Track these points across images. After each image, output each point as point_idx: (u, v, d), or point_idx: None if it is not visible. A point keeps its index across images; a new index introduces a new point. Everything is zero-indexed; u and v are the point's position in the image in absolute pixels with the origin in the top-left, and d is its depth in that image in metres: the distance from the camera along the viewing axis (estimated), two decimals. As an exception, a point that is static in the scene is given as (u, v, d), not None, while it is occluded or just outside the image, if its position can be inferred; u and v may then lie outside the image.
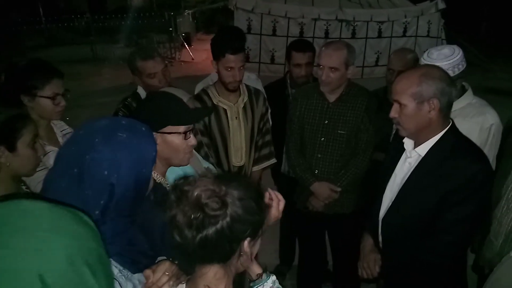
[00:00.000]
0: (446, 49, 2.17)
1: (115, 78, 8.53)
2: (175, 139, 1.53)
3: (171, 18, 11.01)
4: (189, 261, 1.14)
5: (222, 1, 11.77)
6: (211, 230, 1.03)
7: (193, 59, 10.67)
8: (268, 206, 1.32)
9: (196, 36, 12.20)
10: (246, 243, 1.13)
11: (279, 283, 1.45)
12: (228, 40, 2.42)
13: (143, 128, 1.26)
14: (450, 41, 9.50)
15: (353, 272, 2.25)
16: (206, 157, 2.44)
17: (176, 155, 1.57)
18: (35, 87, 1.96)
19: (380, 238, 1.97)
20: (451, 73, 2.10)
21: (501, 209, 1.78)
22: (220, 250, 1.08)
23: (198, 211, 1.02)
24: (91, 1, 15.29)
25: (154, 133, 1.49)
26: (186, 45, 11.08)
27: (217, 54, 2.42)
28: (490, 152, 2.21)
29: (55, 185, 1.16)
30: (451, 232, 1.71)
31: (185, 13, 11.85)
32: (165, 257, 1.31)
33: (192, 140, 1.60)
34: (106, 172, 1.13)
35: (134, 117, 1.54)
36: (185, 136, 1.56)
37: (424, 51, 2.26)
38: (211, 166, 2.21)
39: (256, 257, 3.12)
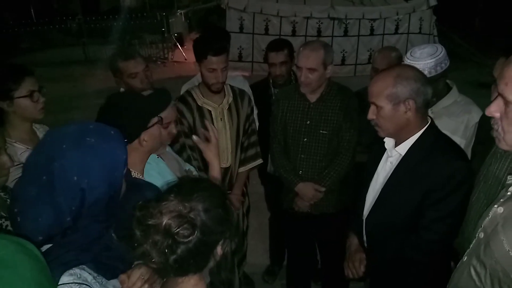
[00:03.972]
0: (429, 48, 2.18)
1: (108, 79, 8.47)
2: (156, 130, 1.64)
3: (164, 18, 10.98)
4: (165, 275, 1.15)
5: (215, 1, 11.75)
6: (184, 250, 1.04)
7: (186, 59, 10.65)
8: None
9: (189, 36, 12.15)
10: (219, 248, 1.13)
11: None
12: (209, 42, 2.40)
13: (112, 132, 1.26)
14: (442, 37, 9.55)
15: (341, 271, 2.25)
16: (188, 160, 2.43)
17: (158, 145, 1.70)
18: (10, 90, 1.95)
19: (364, 237, 1.97)
20: (433, 72, 2.11)
21: (472, 198, 1.79)
22: (195, 263, 1.09)
23: (170, 239, 1.03)
24: (84, 3, 15.24)
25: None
26: (179, 45, 11.06)
27: (199, 56, 2.40)
28: None
29: (25, 193, 1.15)
30: (434, 229, 1.72)
31: (178, 13, 11.82)
32: (141, 261, 1.31)
33: (173, 129, 1.73)
34: (75, 178, 1.12)
35: (112, 124, 1.55)
36: (161, 124, 1.66)
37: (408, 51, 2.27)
38: (192, 168, 2.20)
39: (246, 258, 3.13)
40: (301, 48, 2.43)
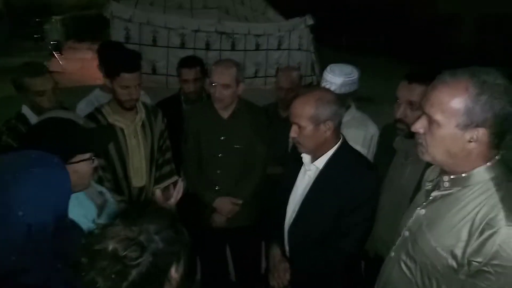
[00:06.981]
0: (345, 68, 2.42)
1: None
2: (84, 166, 1.53)
3: (38, 24, 10.03)
4: None
5: (95, 8, 11.15)
6: (135, 275, 1.01)
7: (64, 69, 9.89)
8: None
9: (66, 44, 11.31)
10: (173, 270, 1.13)
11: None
12: (123, 59, 2.34)
13: (55, 160, 1.18)
14: (319, 53, 10.48)
15: (256, 282, 2.31)
16: (100, 181, 2.32)
17: (83, 181, 1.58)
18: None
19: (286, 247, 2.08)
20: (348, 89, 2.36)
21: (379, 203, 2.04)
22: None
23: (118, 265, 0.99)
24: None
25: None
26: (56, 54, 10.23)
27: (112, 72, 2.32)
28: (372, 159, 2.52)
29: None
30: (351, 234, 1.91)
31: (54, 20, 10.91)
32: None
33: (96, 162, 1.63)
34: (21, 213, 1.03)
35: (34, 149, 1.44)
36: (93, 162, 1.58)
37: (328, 68, 2.45)
38: (104, 190, 2.11)
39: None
40: (214, 66, 2.51)
